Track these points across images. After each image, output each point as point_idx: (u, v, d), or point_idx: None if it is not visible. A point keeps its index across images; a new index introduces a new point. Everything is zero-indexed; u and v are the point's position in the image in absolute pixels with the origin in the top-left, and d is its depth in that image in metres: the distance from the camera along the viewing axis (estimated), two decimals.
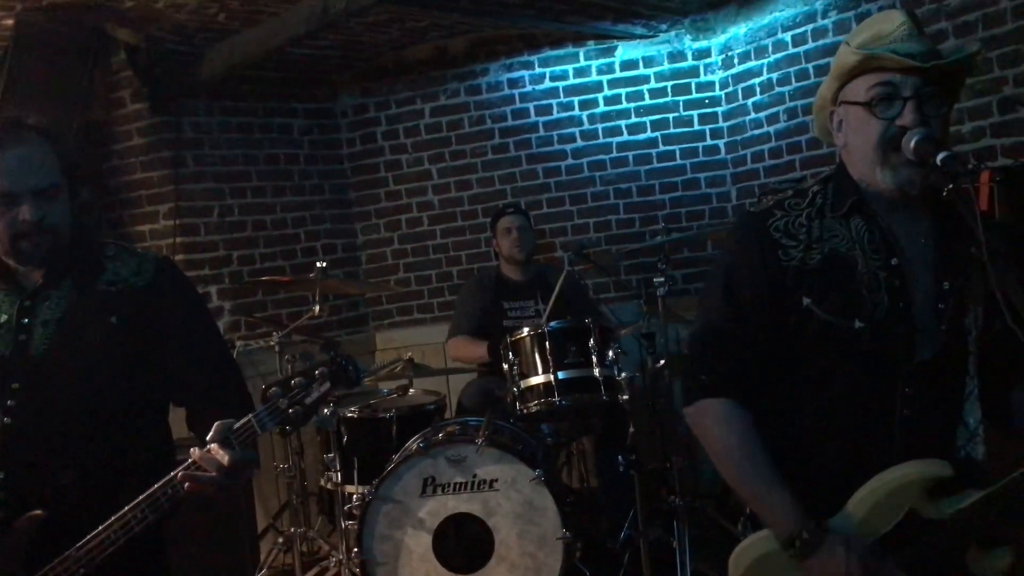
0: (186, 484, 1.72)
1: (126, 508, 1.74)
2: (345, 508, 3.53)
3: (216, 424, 1.72)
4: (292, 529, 3.94)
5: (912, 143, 1.56)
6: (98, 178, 4.64)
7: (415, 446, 3.28)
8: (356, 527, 3.24)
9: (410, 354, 3.83)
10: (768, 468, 1.67)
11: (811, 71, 4.47)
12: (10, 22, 3.88)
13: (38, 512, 1.79)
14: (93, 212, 4.62)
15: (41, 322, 1.88)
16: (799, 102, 4.53)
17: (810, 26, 4.44)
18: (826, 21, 4.36)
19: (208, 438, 1.72)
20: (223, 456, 1.69)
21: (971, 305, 1.64)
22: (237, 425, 1.72)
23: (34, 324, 1.87)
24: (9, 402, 1.83)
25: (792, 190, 1.78)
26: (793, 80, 4.55)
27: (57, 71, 4.10)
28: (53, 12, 3.88)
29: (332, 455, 3.60)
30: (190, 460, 1.73)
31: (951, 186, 1.50)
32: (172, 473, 1.73)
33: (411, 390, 3.93)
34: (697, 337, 1.81)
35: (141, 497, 1.74)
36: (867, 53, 1.60)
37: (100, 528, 1.74)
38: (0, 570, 1.79)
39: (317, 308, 3.77)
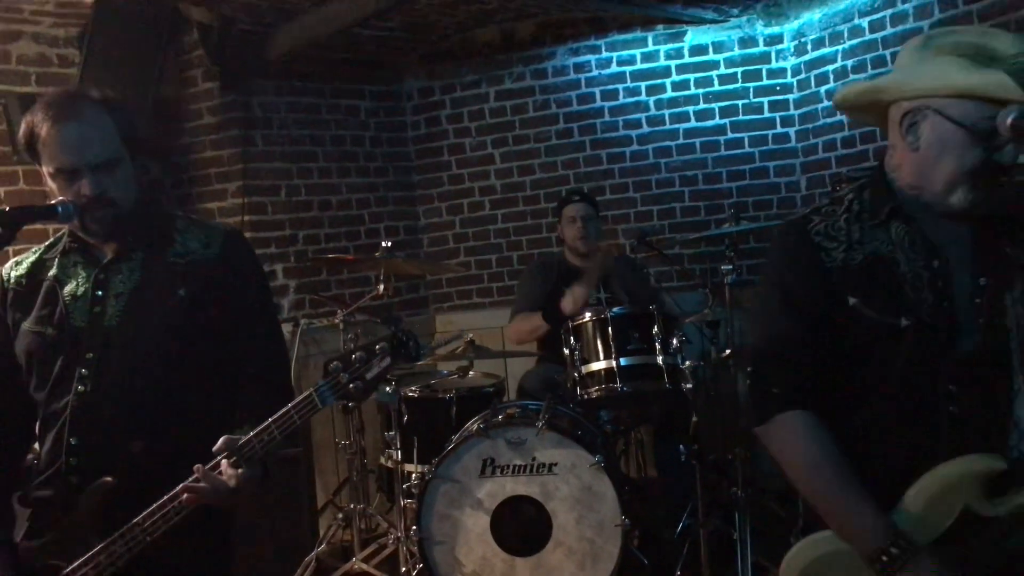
0: (184, 495, 1.75)
1: (165, 498, 1.78)
2: (404, 486, 3.55)
3: (223, 439, 1.75)
4: (351, 505, 3.97)
5: (1009, 120, 1.51)
6: (168, 155, 4.73)
7: (475, 427, 3.27)
8: (415, 505, 3.25)
9: (471, 335, 3.82)
10: (853, 480, 1.64)
11: (888, 58, 4.33)
12: (90, 0, 3.97)
13: (108, 479, 1.82)
14: (164, 188, 4.71)
15: (114, 294, 1.91)
16: None
17: (889, 11, 4.30)
18: (906, 6, 4.22)
19: (215, 449, 1.75)
20: (229, 475, 1.73)
21: (1009, 303, 1.63)
22: (242, 441, 1.74)
23: (107, 296, 1.91)
24: (83, 371, 1.87)
25: (828, 199, 1.80)
26: (869, 67, 4.42)
27: (132, 49, 4.18)
28: None
29: (392, 433, 3.62)
30: (193, 476, 1.75)
31: None
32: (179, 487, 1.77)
33: (471, 372, 3.93)
34: (761, 350, 1.79)
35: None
36: (1004, 88, 1.53)
37: (165, 498, 1.77)
38: (72, 533, 1.83)
39: (381, 287, 3.78)
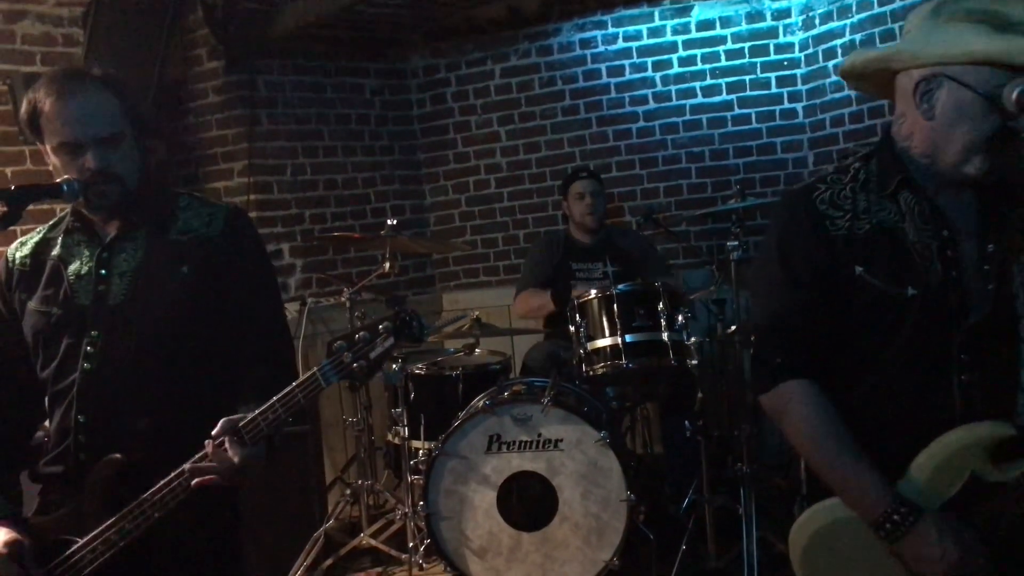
0: (193, 481, 1.75)
1: (172, 474, 1.78)
2: (411, 463, 3.58)
3: (222, 421, 1.75)
4: (359, 482, 4.00)
5: (1015, 93, 1.49)
6: (174, 135, 4.73)
7: (481, 404, 3.29)
8: (422, 481, 3.28)
9: (477, 313, 3.83)
10: (855, 448, 1.65)
11: (898, 32, 4.29)
12: None
13: (116, 456, 1.84)
14: (171, 169, 4.72)
15: (118, 273, 1.91)
16: None
17: None
18: None
19: (213, 433, 1.75)
20: (232, 454, 1.73)
21: (1017, 270, 1.63)
22: (247, 419, 1.74)
23: (111, 274, 1.91)
24: (89, 349, 1.88)
25: (832, 167, 1.78)
26: (878, 41, 4.38)
27: (137, 28, 4.18)
28: None
29: (400, 410, 3.65)
30: (202, 452, 1.76)
31: None
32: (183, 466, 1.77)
33: (477, 349, 3.95)
34: (763, 319, 1.79)
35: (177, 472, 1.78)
36: None
37: (172, 475, 1.78)
38: (82, 509, 1.85)
39: (387, 265, 3.79)
